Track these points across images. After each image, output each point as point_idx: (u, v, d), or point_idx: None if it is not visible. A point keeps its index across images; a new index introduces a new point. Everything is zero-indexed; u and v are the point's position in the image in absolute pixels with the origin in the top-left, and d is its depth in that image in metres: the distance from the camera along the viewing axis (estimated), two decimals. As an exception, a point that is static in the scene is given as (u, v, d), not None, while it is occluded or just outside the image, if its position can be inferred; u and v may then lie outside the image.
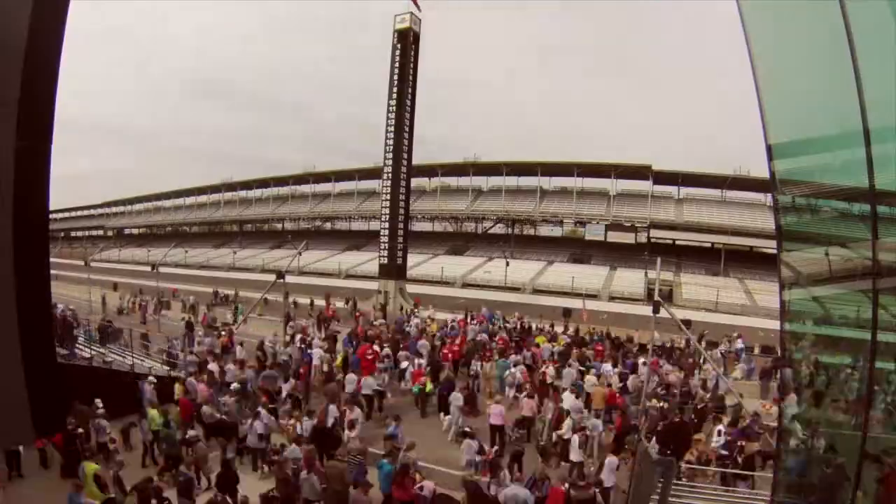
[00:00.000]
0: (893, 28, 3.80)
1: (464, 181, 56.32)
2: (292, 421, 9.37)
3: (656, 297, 12.16)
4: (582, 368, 13.03)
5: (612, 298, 36.60)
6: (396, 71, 29.09)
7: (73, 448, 8.38)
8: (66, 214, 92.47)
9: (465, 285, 41.98)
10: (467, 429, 9.11)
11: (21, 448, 8.26)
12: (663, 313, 11.94)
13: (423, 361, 13.11)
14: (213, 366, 12.39)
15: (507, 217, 51.93)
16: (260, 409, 9.13)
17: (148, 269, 46.40)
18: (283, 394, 11.04)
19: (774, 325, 8.12)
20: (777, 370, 15.37)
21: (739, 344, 18.11)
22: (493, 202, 52.81)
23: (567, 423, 9.33)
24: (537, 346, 15.58)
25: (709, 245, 45.37)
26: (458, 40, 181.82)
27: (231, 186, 69.33)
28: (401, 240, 30.73)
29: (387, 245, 30.46)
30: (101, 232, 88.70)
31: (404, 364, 13.19)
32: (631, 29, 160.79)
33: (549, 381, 12.51)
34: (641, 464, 7.30)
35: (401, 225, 30.59)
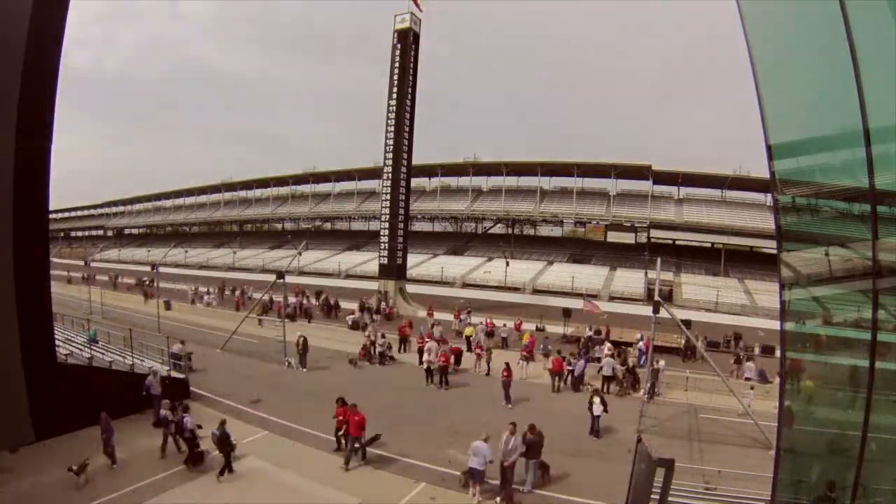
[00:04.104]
0: (893, 28, 3.80)
1: (464, 181, 56.32)
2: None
3: (656, 297, 12.17)
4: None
5: (612, 298, 36.56)
6: (396, 71, 29.10)
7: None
8: (66, 214, 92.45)
9: (465, 285, 41.96)
10: None
11: None
12: (663, 313, 11.95)
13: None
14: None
15: (507, 217, 51.91)
16: None
17: (148, 268, 46.51)
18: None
19: (774, 325, 8.12)
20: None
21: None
22: (493, 202, 52.78)
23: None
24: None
25: (709, 245, 45.35)
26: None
27: (231, 186, 69.32)
28: (401, 240, 30.73)
29: (387, 245, 30.47)
30: (101, 232, 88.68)
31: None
32: (632, 27, 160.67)
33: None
34: (641, 463, 7.29)
35: (401, 225, 30.60)
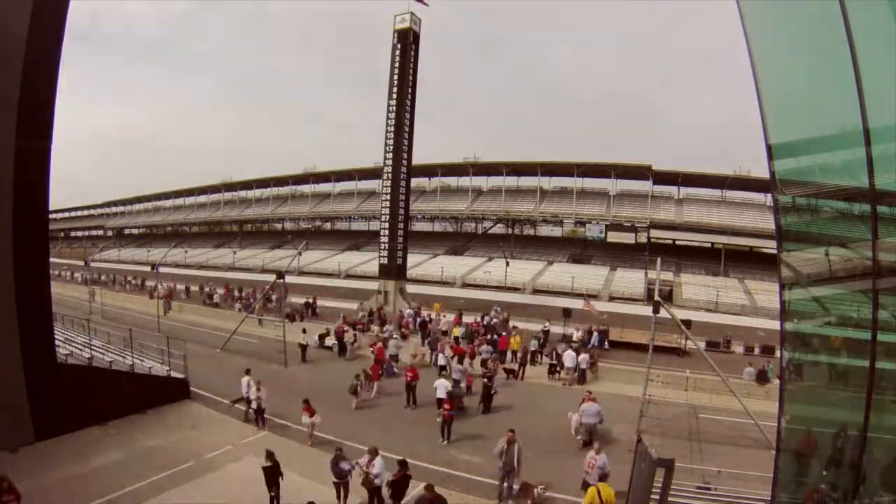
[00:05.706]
0: (893, 28, 3.80)
1: (464, 181, 56.32)
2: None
3: (656, 298, 12.14)
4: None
5: (612, 298, 36.57)
6: (396, 71, 29.08)
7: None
8: (66, 214, 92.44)
9: (465, 285, 41.95)
10: None
11: None
12: (663, 313, 11.94)
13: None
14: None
15: (506, 217, 51.91)
16: None
17: (148, 268, 46.50)
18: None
19: (774, 325, 8.12)
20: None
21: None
22: (493, 202, 52.79)
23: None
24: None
25: (709, 245, 45.36)
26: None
27: (231, 186, 69.31)
28: (401, 240, 30.70)
29: (387, 245, 30.45)
30: (101, 232, 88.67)
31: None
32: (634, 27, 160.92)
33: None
34: (641, 463, 7.28)
35: (401, 225, 30.57)
